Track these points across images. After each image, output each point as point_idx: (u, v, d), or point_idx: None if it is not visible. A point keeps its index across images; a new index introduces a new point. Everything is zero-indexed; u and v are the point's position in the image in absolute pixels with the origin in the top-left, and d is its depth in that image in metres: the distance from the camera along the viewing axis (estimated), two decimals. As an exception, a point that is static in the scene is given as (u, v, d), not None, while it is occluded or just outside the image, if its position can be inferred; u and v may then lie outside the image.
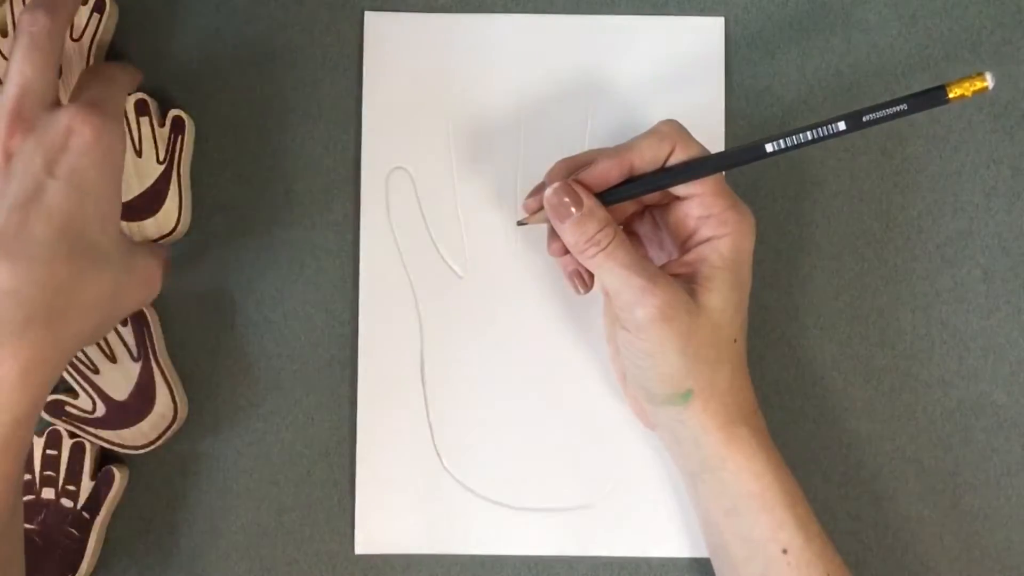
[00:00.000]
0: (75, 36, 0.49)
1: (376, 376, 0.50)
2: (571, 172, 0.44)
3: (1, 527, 0.38)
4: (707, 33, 0.51)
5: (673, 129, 0.43)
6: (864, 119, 0.39)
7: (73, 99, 0.41)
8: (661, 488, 0.49)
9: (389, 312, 0.50)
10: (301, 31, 0.51)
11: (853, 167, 0.51)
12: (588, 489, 0.49)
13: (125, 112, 0.48)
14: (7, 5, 0.49)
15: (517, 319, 0.50)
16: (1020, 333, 0.50)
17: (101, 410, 0.48)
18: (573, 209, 0.42)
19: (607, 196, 0.43)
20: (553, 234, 0.44)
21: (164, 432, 0.48)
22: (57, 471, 0.48)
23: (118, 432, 0.48)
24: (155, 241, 0.49)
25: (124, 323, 0.49)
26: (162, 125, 0.49)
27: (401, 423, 0.50)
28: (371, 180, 0.50)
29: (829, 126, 0.40)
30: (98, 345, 0.48)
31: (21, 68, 0.39)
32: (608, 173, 0.42)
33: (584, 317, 0.50)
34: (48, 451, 0.48)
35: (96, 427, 0.48)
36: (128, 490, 0.49)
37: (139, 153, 0.48)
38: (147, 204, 0.48)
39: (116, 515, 0.49)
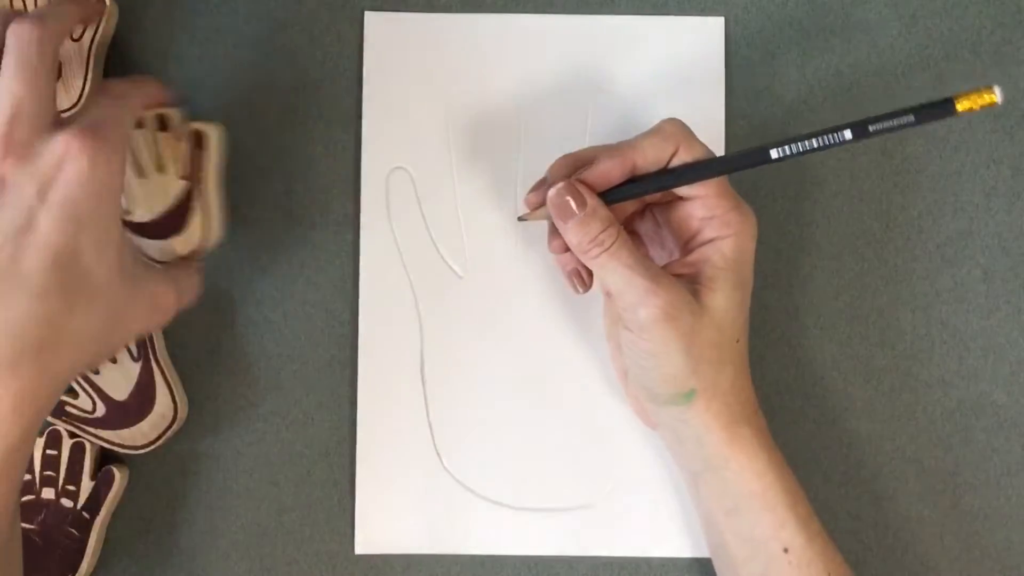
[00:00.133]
0: (75, 36, 0.49)
1: (376, 376, 0.50)
2: (573, 169, 0.44)
3: None
4: (707, 33, 0.51)
5: (677, 129, 0.43)
6: (871, 128, 0.39)
7: (79, 118, 0.39)
8: (661, 488, 0.49)
9: (389, 312, 0.50)
10: (301, 31, 0.51)
11: (853, 167, 0.51)
12: (588, 489, 0.49)
13: (147, 124, 0.46)
14: (6, 4, 0.49)
15: (517, 319, 0.50)
16: (1020, 333, 0.50)
17: (101, 410, 0.48)
18: (576, 209, 0.41)
19: (609, 195, 0.43)
20: (554, 231, 0.44)
21: (164, 432, 0.48)
22: (57, 471, 0.48)
23: (118, 432, 0.48)
24: (185, 257, 0.47)
25: (124, 323, 0.49)
26: (182, 140, 0.47)
27: (401, 423, 0.50)
28: (371, 180, 0.50)
29: (835, 134, 0.40)
30: (98, 345, 0.48)
31: (11, 87, 0.36)
32: (610, 172, 0.42)
33: (584, 317, 0.50)
34: (48, 451, 0.48)
35: (96, 427, 0.48)
36: (128, 490, 0.49)
37: (161, 169, 0.47)
38: (173, 222, 0.47)
39: (116, 515, 0.49)
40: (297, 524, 0.50)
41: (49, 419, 0.48)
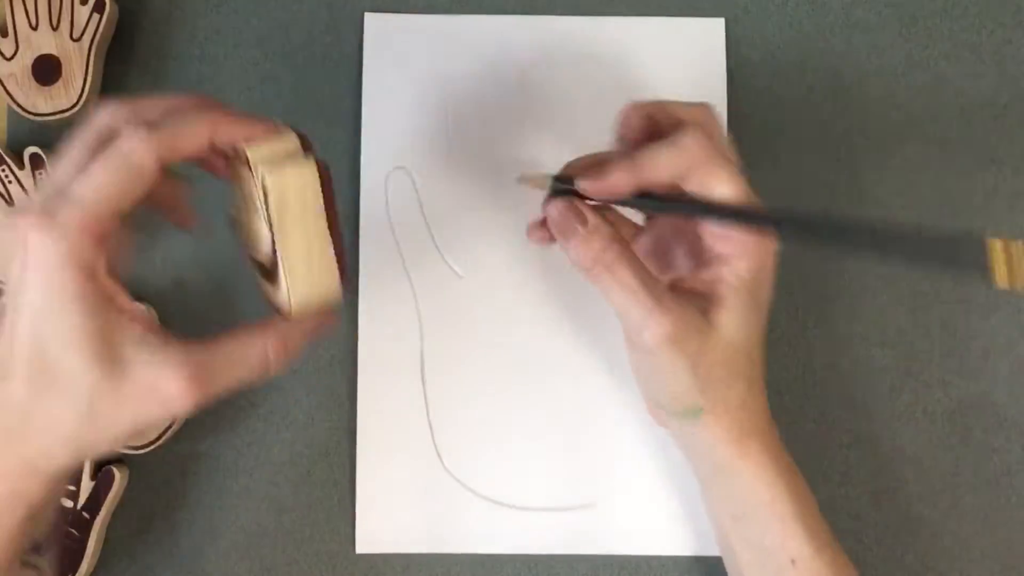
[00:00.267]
0: (75, 36, 0.49)
1: (376, 376, 0.50)
2: (588, 168, 0.41)
3: None
4: (708, 34, 0.51)
5: (698, 145, 0.39)
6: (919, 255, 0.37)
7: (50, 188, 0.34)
8: (661, 488, 0.49)
9: (389, 312, 0.50)
10: (301, 31, 0.51)
11: (853, 167, 0.51)
12: (588, 489, 0.49)
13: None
14: (6, 4, 0.49)
15: (517, 319, 0.50)
16: (1020, 333, 0.50)
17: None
18: (578, 227, 0.40)
19: (616, 201, 0.41)
20: (537, 223, 0.42)
21: (164, 432, 0.48)
22: (57, 471, 0.48)
23: (118, 432, 0.48)
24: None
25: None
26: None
27: (401, 423, 0.50)
28: (371, 180, 0.50)
29: (884, 243, 0.37)
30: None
31: (90, 181, 0.33)
32: (618, 184, 0.39)
33: (584, 317, 0.50)
34: (48, 451, 0.48)
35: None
36: (128, 490, 0.49)
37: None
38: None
39: (116, 515, 0.49)
40: (297, 524, 0.50)
41: (49, 419, 0.48)
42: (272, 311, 0.39)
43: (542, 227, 0.42)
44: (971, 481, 0.50)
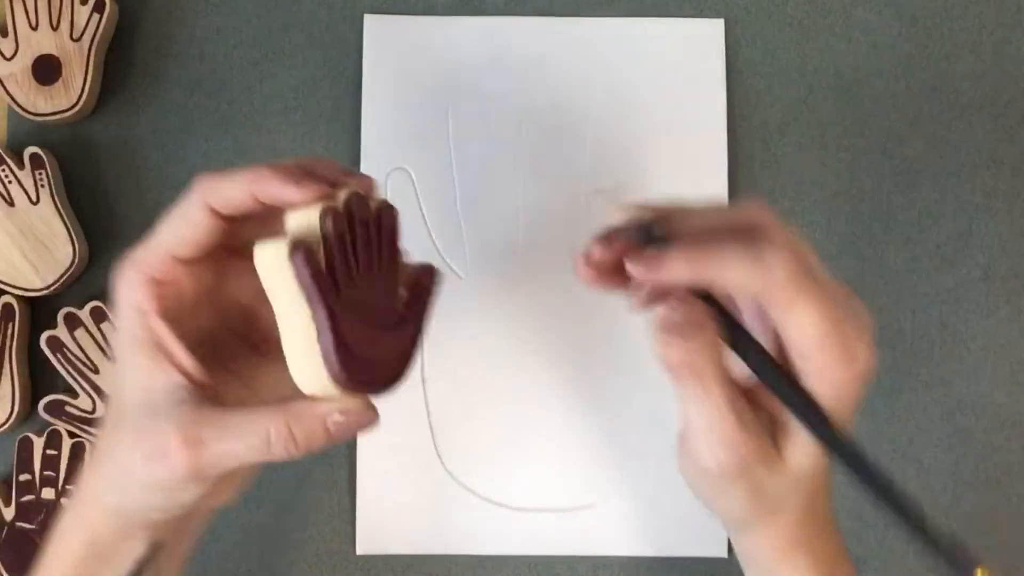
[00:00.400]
0: (75, 36, 0.49)
1: (376, 376, 0.50)
2: (646, 217, 0.35)
3: None
4: (707, 35, 0.51)
5: (787, 265, 0.32)
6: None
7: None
8: (661, 488, 0.49)
9: (389, 312, 0.50)
10: (301, 31, 0.51)
11: (853, 167, 0.51)
12: (588, 489, 0.49)
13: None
14: (6, 4, 0.49)
15: (517, 319, 0.50)
16: (1020, 333, 0.50)
17: (101, 410, 0.48)
18: (690, 333, 0.33)
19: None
20: (594, 260, 0.35)
21: (164, 432, 0.48)
22: (57, 471, 0.48)
23: (118, 432, 0.48)
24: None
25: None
26: None
27: (401, 423, 0.50)
28: (371, 180, 0.50)
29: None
30: (98, 345, 0.48)
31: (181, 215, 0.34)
32: (674, 271, 0.33)
33: (585, 317, 0.50)
34: (48, 451, 0.48)
35: (96, 427, 0.48)
36: (128, 490, 0.49)
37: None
38: None
39: (116, 515, 0.49)
40: (297, 524, 0.50)
41: (49, 419, 0.48)
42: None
43: (601, 272, 0.35)
44: (971, 481, 0.50)
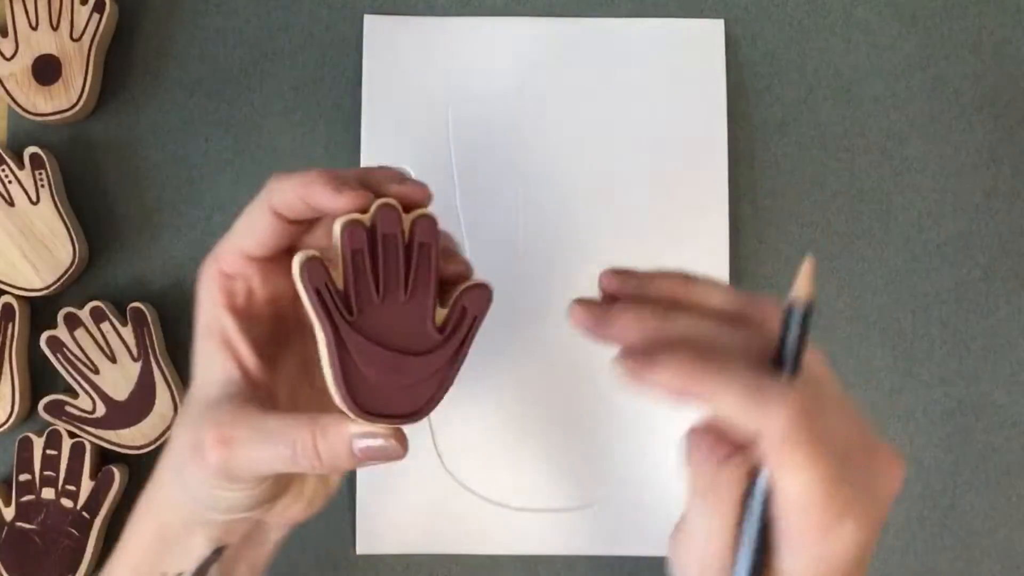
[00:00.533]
0: (75, 36, 0.49)
1: (376, 376, 0.50)
2: (628, 287, 0.34)
3: None
4: (707, 35, 0.51)
5: (788, 418, 0.28)
6: None
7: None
8: (661, 488, 0.49)
9: (389, 312, 0.50)
10: (301, 31, 0.51)
11: (853, 167, 0.51)
12: (588, 489, 0.49)
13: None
14: (6, 4, 0.49)
15: (517, 320, 0.50)
16: (1020, 333, 0.50)
17: (101, 410, 0.48)
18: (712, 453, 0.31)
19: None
20: (592, 318, 0.34)
21: (164, 432, 0.48)
22: (57, 471, 0.48)
23: (118, 432, 0.48)
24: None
25: (124, 323, 0.49)
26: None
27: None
28: (371, 180, 0.50)
29: None
30: (98, 345, 0.48)
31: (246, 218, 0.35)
32: (665, 380, 0.30)
33: (584, 317, 0.50)
34: (48, 451, 0.48)
35: (96, 427, 0.48)
36: (128, 490, 0.49)
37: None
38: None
39: (116, 515, 0.49)
40: (297, 524, 0.50)
41: (49, 419, 0.48)
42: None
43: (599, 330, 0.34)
44: (971, 481, 0.50)
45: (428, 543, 0.49)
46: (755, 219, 0.51)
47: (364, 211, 0.31)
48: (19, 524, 0.48)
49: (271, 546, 0.38)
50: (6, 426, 0.48)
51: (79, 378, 0.48)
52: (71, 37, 0.49)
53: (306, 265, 0.30)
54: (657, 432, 0.49)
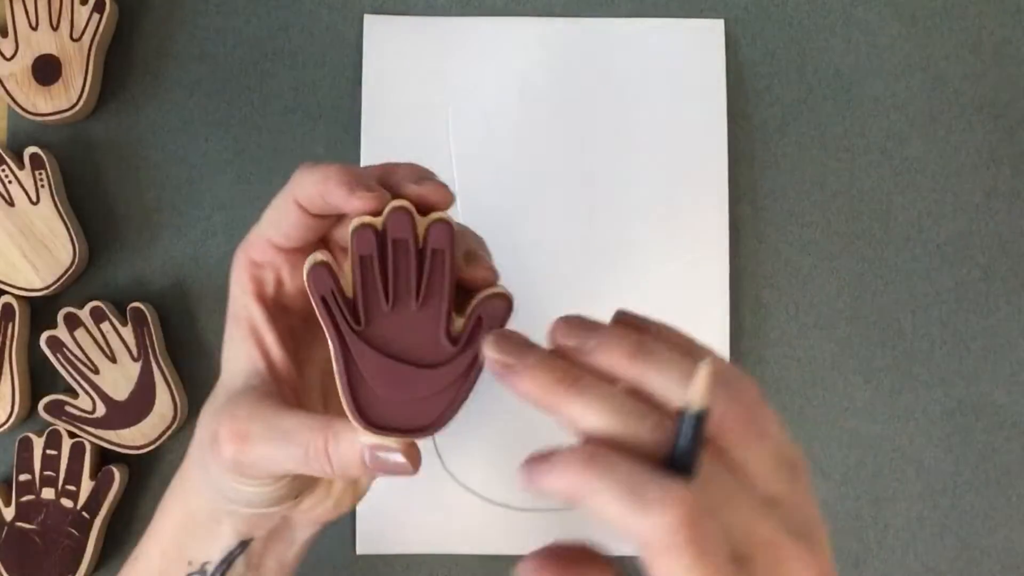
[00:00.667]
0: (75, 36, 0.49)
1: (376, 376, 0.50)
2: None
3: None
4: (708, 35, 0.51)
5: (669, 526, 0.25)
6: None
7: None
8: (661, 488, 0.49)
9: (389, 312, 0.50)
10: (301, 31, 0.51)
11: (853, 167, 0.51)
12: (588, 489, 0.49)
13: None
14: (6, 4, 0.49)
15: (518, 320, 0.50)
16: (1020, 333, 0.50)
17: (101, 410, 0.48)
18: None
19: None
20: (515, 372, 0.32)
21: (164, 432, 0.48)
22: (57, 471, 0.48)
23: (118, 432, 0.48)
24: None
25: (124, 323, 0.49)
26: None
27: (401, 423, 0.50)
28: (371, 180, 0.50)
29: None
30: (98, 345, 0.48)
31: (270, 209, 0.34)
32: (553, 478, 0.29)
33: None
34: (48, 451, 0.48)
35: (96, 427, 0.48)
36: (128, 490, 0.49)
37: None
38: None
39: (116, 515, 0.49)
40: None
41: (49, 419, 0.48)
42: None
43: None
44: (971, 481, 0.50)
45: (428, 543, 0.49)
46: (755, 219, 0.51)
47: (378, 213, 0.30)
48: (19, 524, 0.48)
49: (300, 544, 0.37)
50: (6, 426, 0.48)
51: (79, 378, 0.48)
52: (71, 37, 0.49)
53: (312, 272, 0.29)
54: (657, 432, 0.49)
